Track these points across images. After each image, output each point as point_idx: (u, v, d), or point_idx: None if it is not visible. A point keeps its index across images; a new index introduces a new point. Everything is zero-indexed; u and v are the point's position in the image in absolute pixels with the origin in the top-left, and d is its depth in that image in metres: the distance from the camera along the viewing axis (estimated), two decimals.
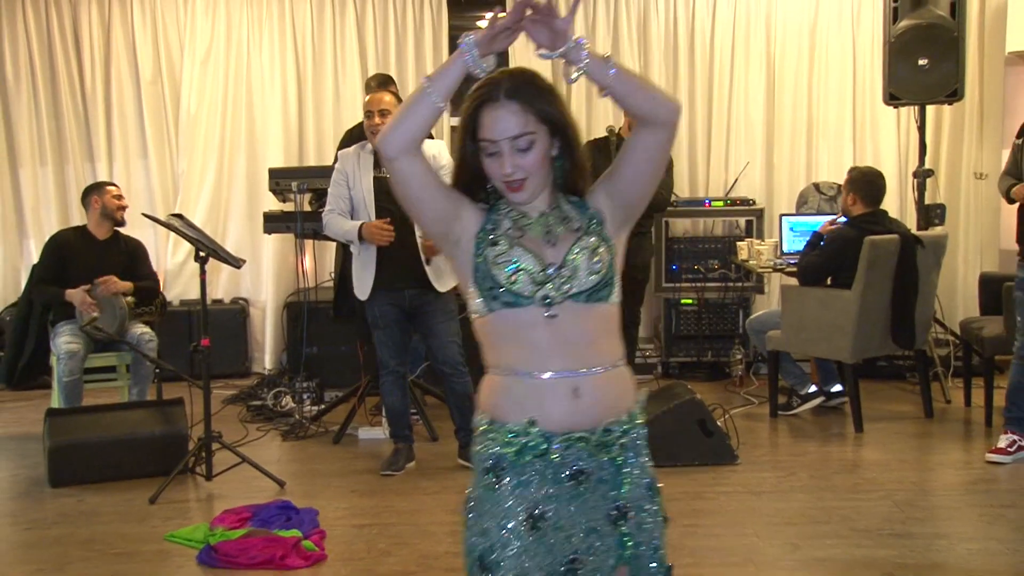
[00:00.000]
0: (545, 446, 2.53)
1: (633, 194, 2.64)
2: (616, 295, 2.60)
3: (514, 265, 2.54)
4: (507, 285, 2.53)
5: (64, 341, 6.69)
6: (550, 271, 2.54)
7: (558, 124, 2.55)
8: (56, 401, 6.78)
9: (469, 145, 2.57)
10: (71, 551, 5.17)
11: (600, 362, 2.56)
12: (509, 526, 2.54)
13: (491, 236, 2.60)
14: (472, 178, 2.63)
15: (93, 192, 7.09)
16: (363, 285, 5.95)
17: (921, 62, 7.26)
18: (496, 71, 2.53)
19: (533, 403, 2.54)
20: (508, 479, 2.55)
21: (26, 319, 7.02)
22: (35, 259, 7.44)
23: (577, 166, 2.62)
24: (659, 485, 2.65)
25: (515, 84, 2.54)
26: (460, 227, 2.61)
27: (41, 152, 8.54)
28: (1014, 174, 6.03)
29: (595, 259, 2.55)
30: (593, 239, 2.59)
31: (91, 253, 6.95)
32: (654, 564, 2.62)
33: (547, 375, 2.52)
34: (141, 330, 6.88)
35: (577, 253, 2.55)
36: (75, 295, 6.69)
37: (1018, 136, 6.10)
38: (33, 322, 6.97)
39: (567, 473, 2.55)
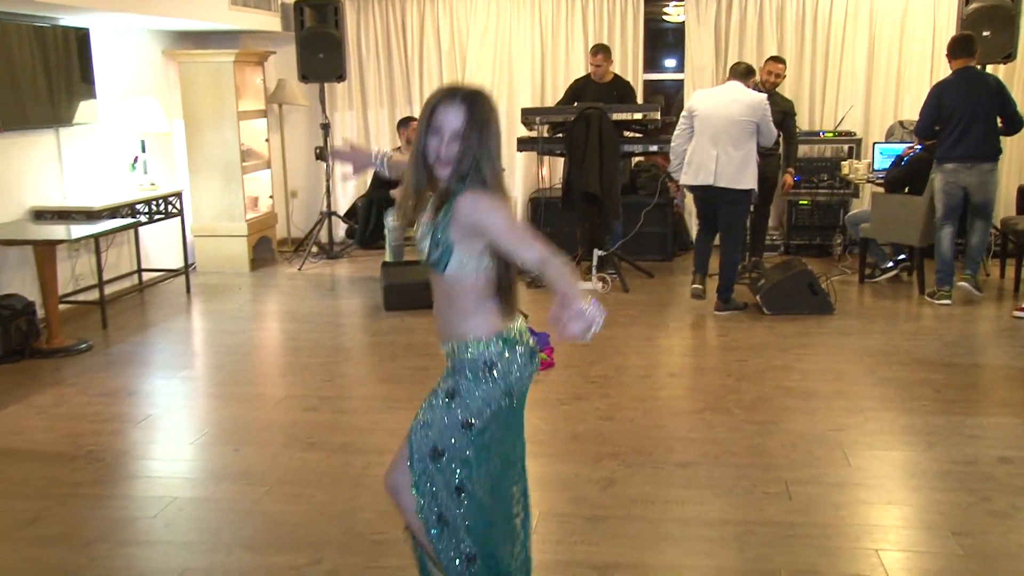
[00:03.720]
0: None
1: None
2: (461, 271, 2.29)
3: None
4: None
5: (392, 219, 7.12)
6: (421, 247, 2.38)
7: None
8: (388, 257, 7.20)
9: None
10: (397, 349, 5.58)
11: (440, 309, 2.42)
12: None
13: None
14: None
15: (400, 126, 7.48)
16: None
17: (985, 33, 7.09)
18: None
19: None
20: None
21: (369, 204, 7.42)
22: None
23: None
24: (465, 397, 2.31)
25: (471, 94, 2.27)
26: None
27: (379, 99, 8.80)
28: None
29: (423, 245, 2.34)
30: (428, 229, 2.32)
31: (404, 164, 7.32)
32: (415, 436, 2.36)
33: None
34: None
35: (420, 238, 2.35)
36: (398, 193, 7.13)
37: None
38: (373, 207, 7.36)
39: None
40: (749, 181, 6.10)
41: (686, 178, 6.32)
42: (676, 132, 6.38)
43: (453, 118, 2.23)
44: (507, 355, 2.32)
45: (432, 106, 2.27)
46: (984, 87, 6.30)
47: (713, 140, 6.09)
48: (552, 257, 2.12)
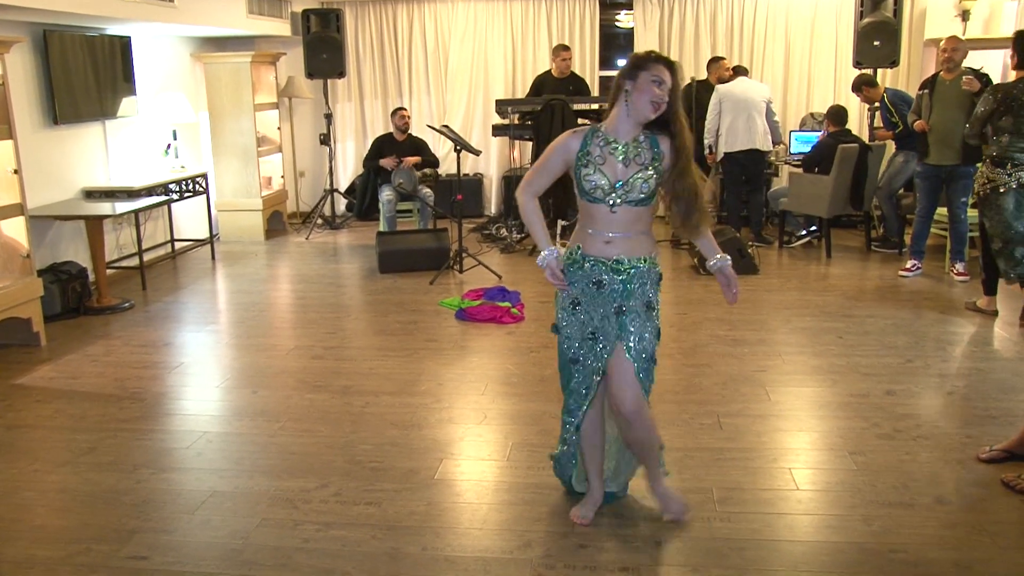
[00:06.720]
0: (581, 260, 2.53)
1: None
2: (653, 202, 2.48)
3: (593, 182, 2.47)
4: (590, 192, 2.47)
5: (385, 194, 6.93)
6: (618, 185, 2.45)
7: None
8: (382, 227, 6.98)
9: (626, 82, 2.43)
10: (389, 307, 5.45)
11: (626, 231, 2.48)
12: (566, 305, 2.60)
13: (584, 160, 2.48)
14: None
15: (392, 116, 7.28)
16: None
17: (876, 43, 7.09)
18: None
19: (584, 241, 2.53)
20: (569, 278, 2.57)
21: (366, 182, 7.19)
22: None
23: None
24: (657, 306, 2.55)
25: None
26: (570, 160, 2.51)
27: (374, 92, 8.59)
28: (917, 112, 5.86)
29: (645, 184, 2.44)
30: (650, 171, 2.46)
31: (394, 146, 7.10)
32: (635, 345, 2.50)
33: (590, 230, 2.52)
34: (426, 190, 7.02)
35: (638, 178, 2.45)
36: (386, 161, 6.92)
37: (920, 88, 5.90)
38: (369, 183, 7.14)
39: (593, 281, 2.52)
40: (771, 144, 7.09)
41: (729, 148, 6.91)
42: (710, 117, 6.96)
43: (670, 76, 2.41)
44: None
45: (649, 63, 2.41)
46: None
47: (747, 117, 6.85)
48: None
